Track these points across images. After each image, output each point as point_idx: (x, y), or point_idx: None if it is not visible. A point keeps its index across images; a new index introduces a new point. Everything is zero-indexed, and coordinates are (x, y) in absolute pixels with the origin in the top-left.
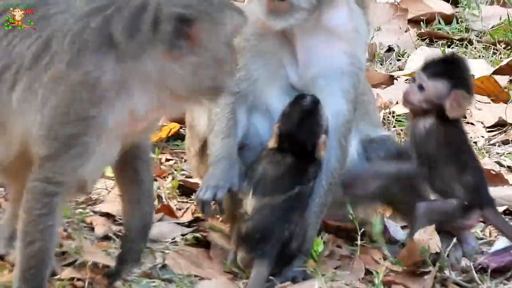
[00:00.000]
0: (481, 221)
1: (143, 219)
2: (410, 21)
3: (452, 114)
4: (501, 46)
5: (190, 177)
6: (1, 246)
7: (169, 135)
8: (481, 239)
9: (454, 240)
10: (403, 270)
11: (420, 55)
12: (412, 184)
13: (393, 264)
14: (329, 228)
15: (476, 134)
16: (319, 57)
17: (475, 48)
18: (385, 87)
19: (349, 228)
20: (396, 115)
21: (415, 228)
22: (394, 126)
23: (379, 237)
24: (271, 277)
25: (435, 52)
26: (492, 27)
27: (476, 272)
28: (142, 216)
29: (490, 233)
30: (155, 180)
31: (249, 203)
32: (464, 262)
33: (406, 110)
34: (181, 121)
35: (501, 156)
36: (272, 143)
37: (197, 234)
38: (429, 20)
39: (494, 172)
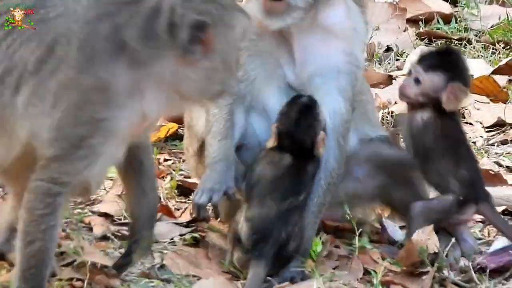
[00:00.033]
0: (479, 221)
1: (150, 206)
2: (409, 21)
3: (449, 106)
4: (500, 45)
5: (189, 177)
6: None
7: (168, 135)
8: (480, 239)
9: (453, 240)
10: (401, 270)
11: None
12: (410, 184)
13: (391, 264)
14: (328, 228)
15: (475, 134)
16: (315, 56)
17: (474, 47)
18: (383, 87)
19: (347, 228)
20: (395, 115)
21: (411, 229)
22: (393, 126)
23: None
24: (269, 278)
25: None
26: (491, 27)
27: (474, 272)
28: (149, 203)
29: (488, 233)
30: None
31: (247, 204)
32: (463, 262)
33: (406, 111)
34: (179, 121)
35: (500, 156)
36: (271, 143)
37: (196, 234)
38: (428, 20)
39: (493, 172)
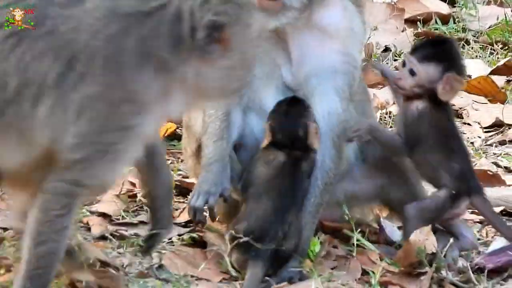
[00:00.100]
0: (478, 222)
1: (166, 184)
2: (407, 21)
3: (445, 97)
4: (498, 46)
5: (187, 177)
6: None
7: (166, 135)
8: (478, 239)
9: (451, 240)
10: (399, 271)
11: None
12: (407, 184)
13: (389, 265)
14: (326, 228)
15: (473, 134)
16: (312, 56)
17: (472, 48)
18: (381, 87)
19: (345, 229)
20: (393, 116)
21: (407, 230)
22: (391, 127)
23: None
24: (267, 278)
25: None
26: (489, 27)
27: (472, 273)
28: (165, 182)
29: (487, 234)
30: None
31: (244, 204)
32: (461, 263)
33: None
34: (177, 121)
35: (498, 156)
36: (265, 141)
37: (194, 234)
38: (426, 20)
39: (491, 173)
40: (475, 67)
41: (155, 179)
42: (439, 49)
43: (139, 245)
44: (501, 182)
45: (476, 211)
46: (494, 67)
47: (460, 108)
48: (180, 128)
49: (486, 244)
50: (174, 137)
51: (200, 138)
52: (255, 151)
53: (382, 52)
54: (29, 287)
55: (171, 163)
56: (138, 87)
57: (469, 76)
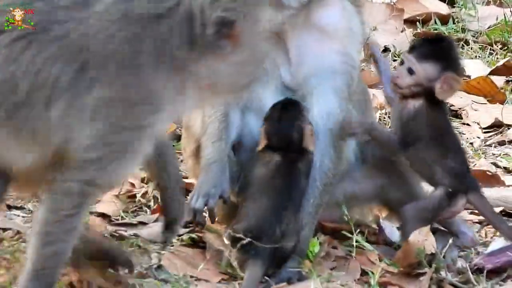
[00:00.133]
0: (477, 222)
1: (176, 173)
2: (406, 21)
3: (442, 96)
4: (497, 46)
5: (186, 177)
6: None
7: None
8: None
9: (450, 241)
10: (399, 271)
11: None
12: (407, 184)
13: (389, 265)
14: (325, 229)
15: (472, 135)
16: (310, 56)
17: (471, 48)
18: (381, 88)
19: (344, 229)
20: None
21: (406, 232)
22: (390, 127)
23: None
24: (266, 278)
25: None
26: (489, 28)
27: (472, 273)
28: (174, 172)
29: (486, 234)
30: (150, 181)
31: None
32: (460, 263)
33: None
34: (177, 121)
35: (497, 157)
36: (261, 145)
37: (193, 235)
38: (425, 20)
39: (490, 173)
40: (475, 67)
41: (163, 171)
42: (437, 48)
43: (138, 246)
44: (500, 183)
45: (475, 211)
46: (494, 67)
47: (460, 108)
48: (179, 128)
49: (485, 244)
50: (174, 137)
51: (199, 139)
52: (253, 151)
53: (381, 52)
54: None
55: None
56: (154, 87)
57: (469, 77)
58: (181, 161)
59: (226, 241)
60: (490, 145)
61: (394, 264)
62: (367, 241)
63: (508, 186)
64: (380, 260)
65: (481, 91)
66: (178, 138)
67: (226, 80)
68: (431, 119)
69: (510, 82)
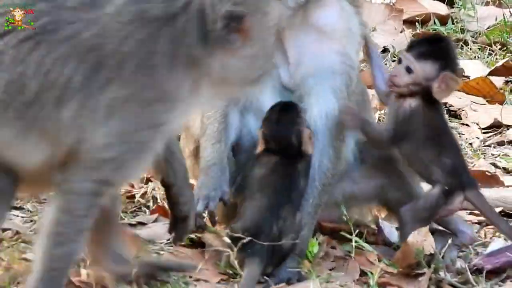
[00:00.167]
0: (476, 223)
1: (183, 170)
2: (405, 22)
3: (439, 95)
4: (496, 47)
5: None
6: None
7: None
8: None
9: (449, 241)
10: (398, 272)
11: None
12: (405, 184)
13: (388, 266)
14: (324, 229)
15: (471, 135)
16: (309, 57)
17: (470, 49)
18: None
19: (344, 229)
20: None
21: (405, 232)
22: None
23: None
24: (266, 278)
25: None
26: (488, 28)
27: (471, 274)
28: (181, 168)
29: (485, 235)
30: (149, 181)
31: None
32: (459, 264)
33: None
34: None
35: (496, 157)
36: (259, 148)
37: (192, 236)
38: (424, 21)
39: (489, 174)
40: (474, 67)
41: (170, 167)
42: (436, 47)
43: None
44: (500, 183)
45: (475, 212)
46: (493, 68)
47: (459, 109)
48: None
49: (485, 245)
50: None
51: (198, 139)
52: (252, 151)
53: (380, 52)
54: None
55: None
56: (170, 86)
57: (468, 77)
58: None
59: (227, 240)
60: (489, 146)
61: (393, 264)
62: (366, 242)
63: (507, 186)
64: (379, 261)
65: (480, 91)
66: (177, 138)
67: (238, 74)
68: (428, 118)
69: (509, 83)
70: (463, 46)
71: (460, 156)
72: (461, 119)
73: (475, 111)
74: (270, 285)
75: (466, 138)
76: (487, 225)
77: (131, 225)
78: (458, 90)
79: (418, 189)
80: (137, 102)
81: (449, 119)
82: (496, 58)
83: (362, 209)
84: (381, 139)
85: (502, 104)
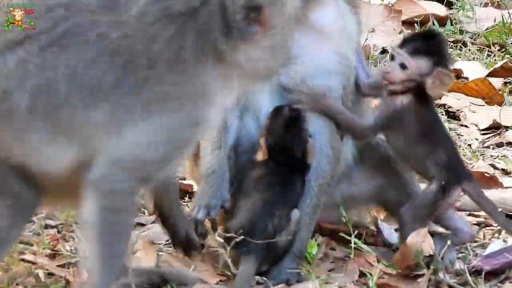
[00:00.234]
0: (475, 224)
1: (177, 191)
2: (404, 23)
3: (433, 92)
4: (495, 48)
5: (184, 179)
6: None
7: None
8: (475, 241)
9: (449, 242)
10: (397, 273)
11: None
12: (405, 185)
13: (387, 267)
14: (323, 230)
15: (470, 136)
16: (307, 57)
17: (469, 50)
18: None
19: (343, 231)
20: None
21: (405, 232)
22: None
23: None
24: (264, 279)
25: None
26: (487, 29)
27: (470, 275)
28: (176, 187)
29: (484, 236)
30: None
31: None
32: (458, 265)
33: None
34: None
35: (495, 158)
36: (261, 156)
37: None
38: (423, 22)
39: (488, 175)
40: (473, 69)
41: (166, 197)
42: (429, 43)
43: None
44: (498, 184)
45: (474, 213)
46: (491, 69)
47: (458, 110)
48: None
49: (484, 246)
50: None
51: (197, 142)
52: (250, 152)
53: (379, 53)
54: None
55: None
56: (203, 81)
57: (466, 78)
58: None
59: (220, 239)
60: (488, 147)
61: (392, 265)
62: (365, 243)
63: (506, 187)
64: (378, 262)
65: (479, 93)
66: None
67: (261, 64)
68: (420, 115)
69: (508, 84)
70: (461, 48)
71: (454, 150)
72: (460, 120)
73: (474, 112)
74: (269, 286)
75: (465, 140)
76: (486, 226)
77: None
78: (457, 92)
79: (417, 189)
80: (174, 100)
81: (448, 120)
82: (495, 60)
83: (361, 211)
84: (354, 127)
85: (501, 105)
